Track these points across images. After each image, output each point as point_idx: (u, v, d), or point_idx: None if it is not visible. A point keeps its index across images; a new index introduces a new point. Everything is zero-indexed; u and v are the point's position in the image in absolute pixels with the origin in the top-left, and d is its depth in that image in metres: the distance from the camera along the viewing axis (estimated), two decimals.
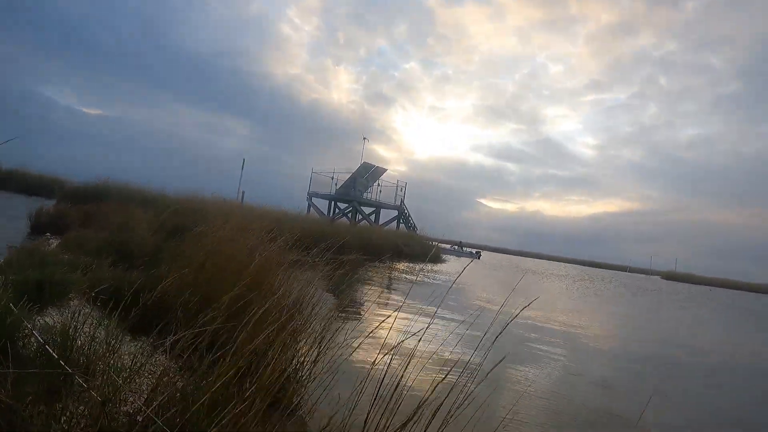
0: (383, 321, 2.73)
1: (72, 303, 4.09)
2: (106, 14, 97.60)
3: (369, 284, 12.44)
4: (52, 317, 3.50)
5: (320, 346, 2.90)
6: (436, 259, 29.12)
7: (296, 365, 3.54)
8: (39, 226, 10.13)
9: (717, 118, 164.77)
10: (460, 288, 15.55)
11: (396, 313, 2.75)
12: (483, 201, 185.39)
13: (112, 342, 2.75)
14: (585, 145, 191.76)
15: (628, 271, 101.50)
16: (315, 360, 2.73)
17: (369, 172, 36.10)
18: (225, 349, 2.17)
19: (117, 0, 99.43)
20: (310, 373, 3.15)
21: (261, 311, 2.42)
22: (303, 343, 3.66)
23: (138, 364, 2.54)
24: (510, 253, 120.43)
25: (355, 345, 2.86)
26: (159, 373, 2.34)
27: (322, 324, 3.28)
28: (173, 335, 2.32)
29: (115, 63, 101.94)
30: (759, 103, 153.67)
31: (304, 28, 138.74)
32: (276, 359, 2.49)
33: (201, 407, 1.84)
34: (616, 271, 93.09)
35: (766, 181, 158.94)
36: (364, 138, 38.98)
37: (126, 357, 2.75)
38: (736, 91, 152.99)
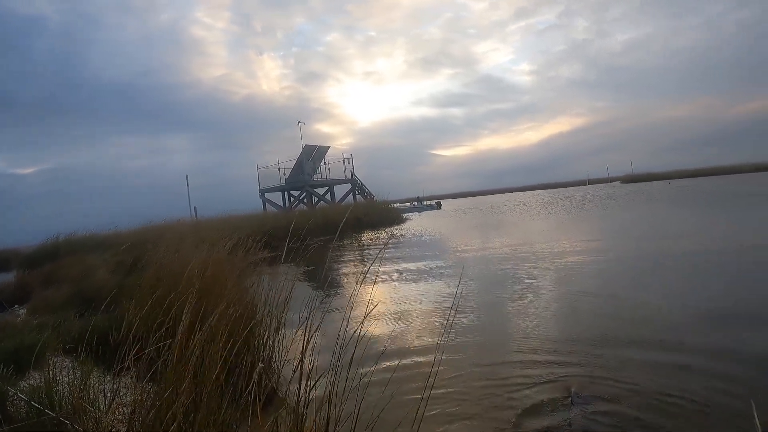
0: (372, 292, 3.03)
1: (50, 361, 4.34)
2: (16, 67, 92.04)
3: (342, 262, 12.82)
4: (34, 378, 3.76)
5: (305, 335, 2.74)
6: (398, 220, 29.67)
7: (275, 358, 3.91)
8: (4, 302, 10.14)
9: (646, 18, 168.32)
10: (433, 241, 16.10)
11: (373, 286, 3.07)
12: (435, 152, 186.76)
13: (93, 383, 3.05)
14: (522, 72, 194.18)
15: (588, 184, 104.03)
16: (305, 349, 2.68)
17: (313, 154, 36.12)
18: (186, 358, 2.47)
19: (23, 50, 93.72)
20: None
21: (214, 319, 2.69)
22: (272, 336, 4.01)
23: (112, 396, 2.85)
24: (475, 195, 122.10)
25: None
26: (134, 397, 2.61)
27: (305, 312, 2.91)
28: (128, 359, 2.61)
29: (37, 114, 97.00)
30: None
31: (216, 25, 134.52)
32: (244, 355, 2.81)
33: (173, 415, 2.16)
34: (578, 187, 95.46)
35: (703, 71, 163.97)
36: (299, 122, 38.86)
37: (107, 392, 3.05)
38: None
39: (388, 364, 4.24)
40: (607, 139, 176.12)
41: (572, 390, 3.51)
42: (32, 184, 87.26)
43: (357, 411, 2.41)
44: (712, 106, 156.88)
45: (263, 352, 3.98)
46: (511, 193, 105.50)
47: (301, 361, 2.53)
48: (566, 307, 6.08)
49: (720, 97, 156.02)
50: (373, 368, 2.81)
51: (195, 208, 29.18)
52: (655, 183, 63.45)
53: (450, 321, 5.40)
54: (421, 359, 4.56)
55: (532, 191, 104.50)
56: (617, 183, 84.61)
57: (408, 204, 47.11)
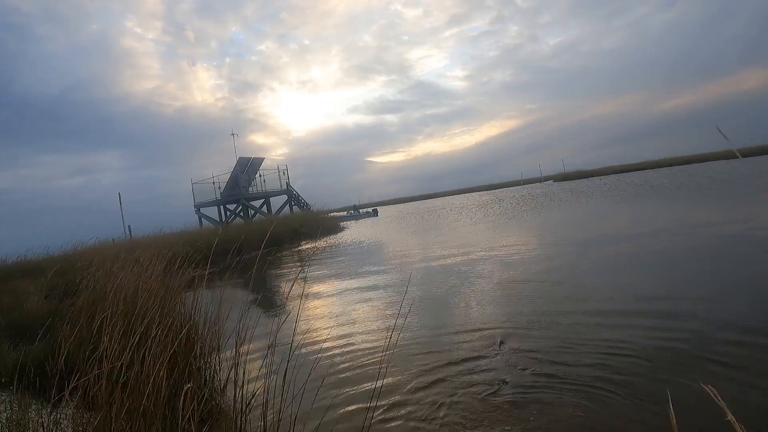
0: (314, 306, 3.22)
1: None
2: None
3: (278, 275, 12.91)
4: None
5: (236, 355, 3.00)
6: (336, 229, 29.86)
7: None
8: None
9: (575, 22, 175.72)
10: (372, 249, 16.38)
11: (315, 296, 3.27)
12: (372, 159, 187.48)
13: (31, 416, 3.09)
14: (456, 78, 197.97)
15: (522, 184, 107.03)
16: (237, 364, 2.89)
17: (248, 166, 35.73)
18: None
19: None
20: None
21: (144, 341, 2.84)
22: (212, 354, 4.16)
23: (52, 430, 2.91)
24: (412, 200, 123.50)
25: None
26: (74, 429, 2.69)
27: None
28: (66, 389, 2.70)
29: None
30: (609, 0, 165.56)
31: (147, 36, 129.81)
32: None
33: None
34: (512, 187, 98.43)
35: (627, 70, 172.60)
36: (233, 134, 38.38)
37: (47, 426, 3.10)
38: None
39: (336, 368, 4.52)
40: (539, 139, 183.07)
41: (500, 339, 4.91)
42: None
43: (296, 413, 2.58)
44: (639, 103, 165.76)
45: (204, 371, 4.09)
46: (447, 197, 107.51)
47: (235, 374, 2.74)
48: (507, 291, 7.04)
49: (646, 95, 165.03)
50: (309, 373, 3.04)
51: (129, 226, 28.35)
52: (587, 180, 66.27)
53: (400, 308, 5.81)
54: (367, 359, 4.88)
55: (468, 194, 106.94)
56: (550, 182, 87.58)
57: (345, 213, 47.32)
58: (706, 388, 1.33)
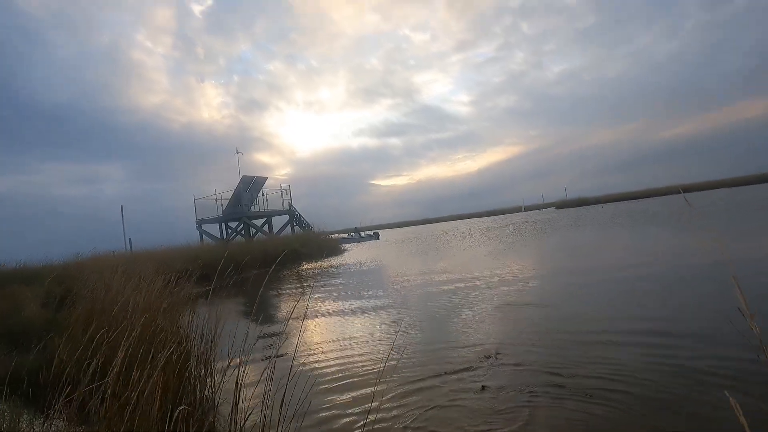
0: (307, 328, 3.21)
1: None
2: None
3: (278, 294, 12.85)
4: None
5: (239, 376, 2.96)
6: (336, 251, 29.83)
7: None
8: None
9: (579, 50, 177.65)
10: (372, 271, 16.33)
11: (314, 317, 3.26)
12: (374, 182, 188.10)
13: (23, 427, 3.06)
14: (460, 103, 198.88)
15: (524, 210, 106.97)
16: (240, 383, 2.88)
17: (251, 185, 35.85)
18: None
19: None
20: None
21: (149, 361, 2.81)
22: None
23: None
24: (414, 224, 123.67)
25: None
26: None
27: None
28: (60, 401, 2.66)
29: None
30: (613, 30, 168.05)
31: (157, 50, 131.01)
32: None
33: None
34: (514, 213, 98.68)
35: (628, 99, 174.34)
36: (237, 152, 38.56)
37: None
38: (593, 24, 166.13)
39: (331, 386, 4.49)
40: (542, 166, 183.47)
41: (494, 352, 5.28)
42: None
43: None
44: (640, 131, 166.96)
45: (200, 389, 4.05)
46: (448, 222, 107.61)
47: (235, 396, 2.71)
48: (506, 314, 7.14)
49: (648, 123, 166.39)
50: (309, 390, 3.01)
51: (130, 239, 28.38)
52: (589, 207, 66.49)
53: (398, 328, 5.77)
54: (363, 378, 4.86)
55: (469, 219, 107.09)
56: (552, 209, 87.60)
57: (346, 235, 47.33)
58: (731, 399, 1.37)
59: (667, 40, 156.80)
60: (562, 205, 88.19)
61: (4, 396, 4.15)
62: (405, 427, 3.61)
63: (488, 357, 5.15)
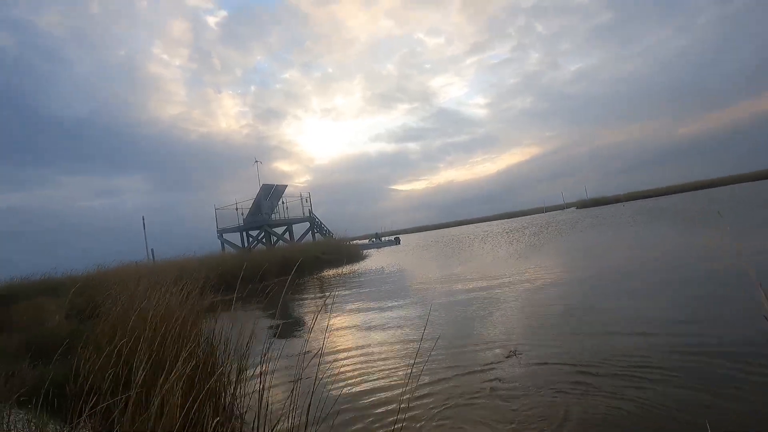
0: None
1: (2, 414, 4.25)
2: None
3: (300, 302, 12.81)
4: None
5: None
6: (358, 257, 29.79)
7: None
8: None
9: (595, 48, 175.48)
10: (394, 276, 16.23)
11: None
12: (394, 187, 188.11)
13: None
14: (477, 105, 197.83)
15: (545, 211, 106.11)
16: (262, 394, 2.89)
17: (270, 193, 36.04)
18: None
19: None
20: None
21: (172, 372, 2.75)
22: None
23: None
24: (434, 228, 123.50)
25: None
26: None
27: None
28: (85, 411, 2.63)
29: None
30: (628, 26, 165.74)
31: (173, 63, 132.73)
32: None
33: None
34: (535, 215, 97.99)
35: (646, 96, 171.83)
36: (256, 161, 38.83)
37: None
38: (608, 21, 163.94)
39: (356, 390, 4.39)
40: (561, 166, 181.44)
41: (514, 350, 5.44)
42: None
43: None
44: (657, 128, 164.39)
45: (224, 397, 4.01)
46: (468, 225, 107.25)
47: (260, 403, 2.64)
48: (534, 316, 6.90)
49: (664, 120, 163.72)
50: (339, 394, 2.93)
51: (152, 250, 28.67)
52: (610, 206, 65.97)
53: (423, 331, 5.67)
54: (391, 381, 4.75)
55: (490, 222, 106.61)
56: (573, 209, 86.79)
57: (367, 240, 47.32)
58: None
59: (683, 34, 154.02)
60: (582, 204, 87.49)
61: (30, 407, 4.15)
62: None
63: (513, 354, 5.31)
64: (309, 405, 2.58)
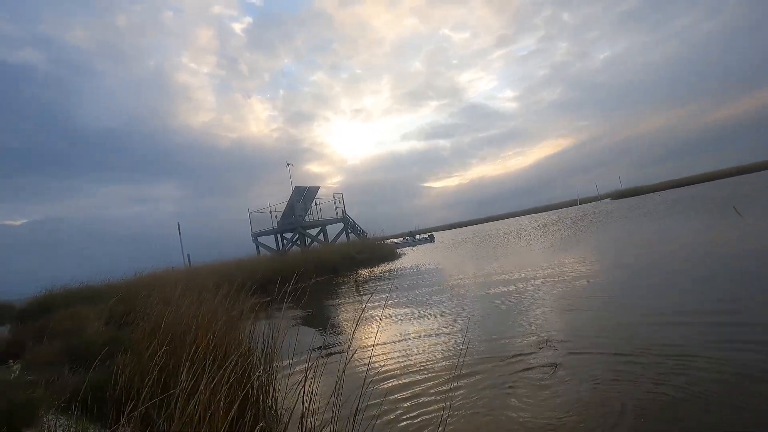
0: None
1: (44, 419, 4.26)
2: (3, 116, 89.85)
3: (337, 303, 12.74)
4: None
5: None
6: (392, 256, 29.66)
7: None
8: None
9: (623, 35, 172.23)
10: (431, 275, 16.05)
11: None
12: (427, 184, 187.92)
13: None
14: (506, 99, 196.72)
15: (579, 203, 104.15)
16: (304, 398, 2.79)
17: (303, 195, 36.23)
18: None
19: (10, 99, 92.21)
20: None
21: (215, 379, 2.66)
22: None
23: None
24: (468, 225, 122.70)
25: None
26: None
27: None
28: (124, 416, 2.57)
29: (24, 163, 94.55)
30: (656, 11, 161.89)
31: (201, 70, 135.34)
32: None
33: None
34: (569, 207, 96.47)
35: (675, 81, 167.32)
36: (288, 164, 39.09)
37: None
38: (635, 6, 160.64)
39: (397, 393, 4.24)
40: (593, 157, 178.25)
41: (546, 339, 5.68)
42: (22, 235, 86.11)
43: None
44: (689, 115, 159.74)
45: (263, 400, 3.93)
46: (504, 220, 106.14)
47: (302, 407, 2.52)
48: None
49: (695, 105, 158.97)
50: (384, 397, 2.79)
51: (188, 255, 29.11)
52: (645, 197, 64.34)
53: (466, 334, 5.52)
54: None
55: (524, 216, 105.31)
56: (607, 200, 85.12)
57: (401, 239, 47.18)
58: None
59: (713, 15, 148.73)
60: (617, 195, 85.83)
61: (70, 412, 4.14)
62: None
63: (549, 345, 5.45)
64: (357, 405, 2.46)
